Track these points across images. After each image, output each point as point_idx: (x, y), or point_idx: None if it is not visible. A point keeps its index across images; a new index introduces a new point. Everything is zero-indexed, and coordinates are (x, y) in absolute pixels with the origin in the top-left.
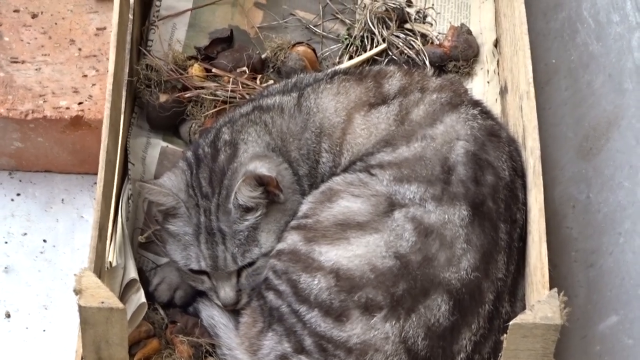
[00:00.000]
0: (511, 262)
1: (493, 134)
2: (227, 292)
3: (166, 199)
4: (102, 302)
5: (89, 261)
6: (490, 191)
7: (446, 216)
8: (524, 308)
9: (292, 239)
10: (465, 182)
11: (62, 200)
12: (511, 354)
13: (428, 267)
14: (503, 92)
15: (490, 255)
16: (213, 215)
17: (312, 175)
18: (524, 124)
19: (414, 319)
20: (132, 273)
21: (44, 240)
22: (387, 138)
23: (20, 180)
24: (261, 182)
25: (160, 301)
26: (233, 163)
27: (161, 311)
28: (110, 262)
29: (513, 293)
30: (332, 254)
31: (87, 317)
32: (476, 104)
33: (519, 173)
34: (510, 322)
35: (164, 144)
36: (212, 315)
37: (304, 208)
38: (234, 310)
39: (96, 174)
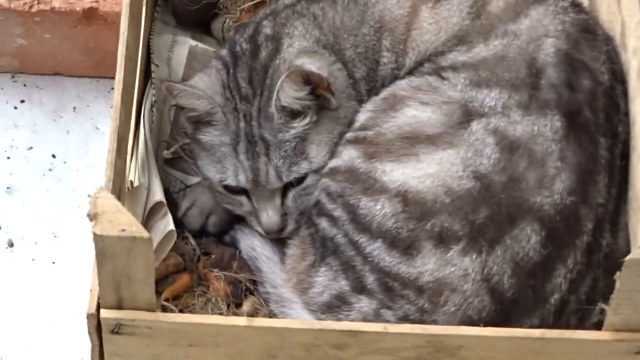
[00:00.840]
0: (613, 184)
1: (588, 30)
2: (270, 215)
3: (200, 102)
4: (123, 230)
5: (106, 179)
6: (588, 98)
7: (535, 127)
8: (627, 239)
9: (349, 155)
10: (557, 86)
11: (74, 108)
12: (625, 295)
13: (515, 189)
14: None
15: (589, 176)
16: (254, 121)
17: (370, 79)
18: (622, 20)
19: (498, 253)
20: (158, 195)
21: (53, 156)
22: (461, 34)
23: (24, 85)
24: (308, 80)
25: (191, 228)
26: (276, 59)
27: (192, 241)
28: (131, 182)
29: (615, 221)
30: (398, 173)
31: (105, 248)
32: None
33: (618, 78)
34: (627, 258)
35: (193, 42)
36: (252, 245)
37: (362, 118)
38: (279, 240)
39: (113, 77)
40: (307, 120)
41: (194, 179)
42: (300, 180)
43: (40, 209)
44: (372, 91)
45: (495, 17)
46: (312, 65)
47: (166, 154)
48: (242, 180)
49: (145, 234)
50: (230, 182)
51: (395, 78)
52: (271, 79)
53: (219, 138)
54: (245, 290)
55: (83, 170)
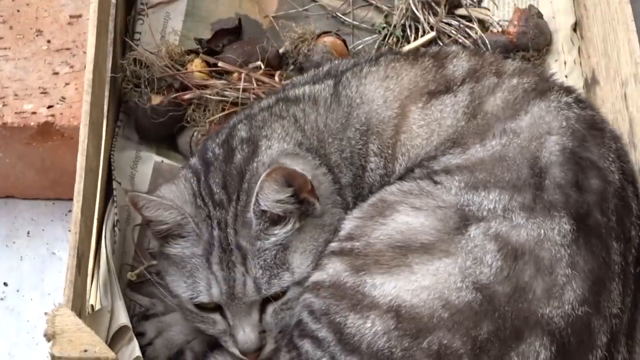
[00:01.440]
0: (627, 293)
1: (595, 127)
2: (247, 332)
3: (168, 213)
4: (85, 350)
5: (65, 300)
6: (597, 199)
7: (542, 231)
8: None
9: (335, 268)
10: (564, 187)
11: (28, 232)
12: None
13: (520, 300)
14: (590, 84)
15: (601, 284)
16: (230, 228)
17: (357, 185)
18: (630, 116)
19: None
20: (123, 318)
21: (5, 284)
22: (455, 137)
23: None
24: (291, 181)
25: None
26: (253, 162)
27: None
28: (92, 306)
29: (630, 334)
30: (389, 287)
31: None
32: (569, 90)
33: (629, 178)
34: None
35: (158, 158)
36: None
37: (348, 226)
38: None
39: (71, 199)
40: (289, 226)
41: (160, 306)
42: (281, 293)
43: None
44: (359, 198)
45: (492, 116)
46: (295, 166)
47: (130, 275)
48: (216, 294)
49: (110, 354)
50: (203, 298)
51: (383, 184)
52: (248, 182)
53: (190, 250)
54: None
55: (38, 299)
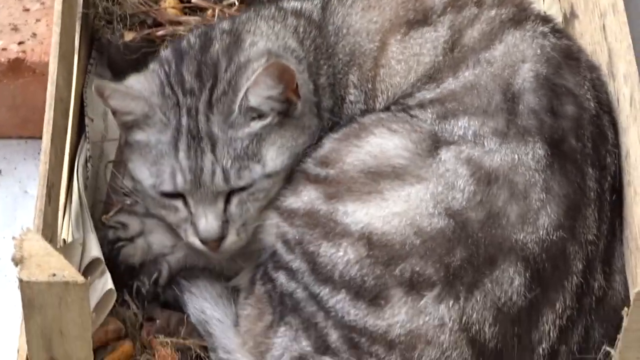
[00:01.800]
0: (603, 220)
1: (570, 56)
2: (209, 220)
3: (135, 103)
4: (54, 275)
5: (34, 228)
6: (572, 125)
7: (516, 156)
8: (624, 283)
9: (309, 196)
10: (538, 112)
11: (0, 171)
12: (633, 336)
13: (494, 226)
14: (569, 18)
15: (577, 209)
16: (202, 115)
17: (335, 114)
18: (609, 47)
19: (477, 298)
20: (95, 250)
21: None
22: (431, 73)
23: None
24: (283, 77)
25: (127, 261)
26: (236, 56)
27: (133, 305)
28: (64, 240)
29: (607, 261)
30: (361, 214)
31: (32, 297)
32: (546, 19)
33: (604, 108)
34: (635, 290)
35: None
36: (202, 308)
37: (324, 148)
38: (233, 301)
39: None
40: (267, 120)
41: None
42: (249, 185)
43: None
44: (334, 128)
45: (468, 48)
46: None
47: (105, 218)
48: (180, 182)
49: (79, 278)
50: (166, 186)
51: None
52: (231, 72)
53: (156, 137)
54: (195, 358)
55: (10, 237)
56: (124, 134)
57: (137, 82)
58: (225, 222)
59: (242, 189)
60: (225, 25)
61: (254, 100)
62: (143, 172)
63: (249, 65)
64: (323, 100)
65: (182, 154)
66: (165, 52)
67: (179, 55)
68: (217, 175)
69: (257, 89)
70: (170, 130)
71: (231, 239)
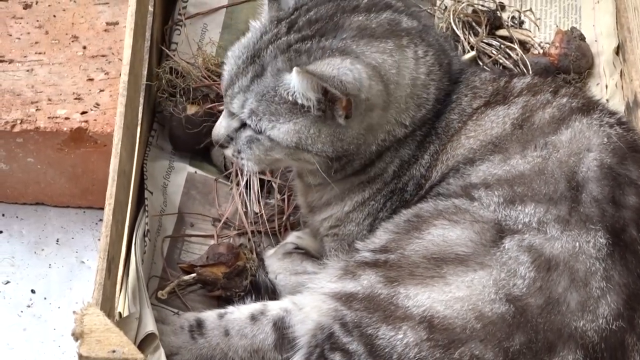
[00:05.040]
0: None
1: (635, 149)
2: (220, 124)
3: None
4: (114, 351)
5: (94, 302)
6: (634, 216)
7: (577, 244)
8: None
9: (369, 280)
10: (601, 201)
11: (57, 240)
12: None
13: (553, 313)
14: (632, 108)
15: (636, 300)
16: (275, 48)
17: (402, 168)
18: None
19: None
20: (150, 325)
21: (32, 291)
22: (497, 141)
23: (3, 214)
24: (326, 91)
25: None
26: (350, 40)
27: None
28: (119, 313)
29: None
30: (423, 298)
31: None
32: (612, 112)
33: None
34: None
35: (192, 169)
36: None
37: (383, 238)
38: None
39: (102, 208)
40: (304, 105)
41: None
42: (258, 131)
43: (17, 349)
44: (395, 184)
45: (537, 128)
46: (351, 75)
47: (161, 294)
48: (224, 80)
49: (139, 355)
50: (223, 79)
51: (418, 187)
52: (328, 43)
53: (254, 31)
54: None
55: (65, 307)
56: None
57: None
58: (230, 139)
59: (256, 131)
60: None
61: (294, 87)
62: (236, 44)
63: (334, 59)
64: (401, 149)
65: (239, 62)
66: None
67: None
68: (238, 99)
69: (297, 82)
70: (256, 34)
71: (227, 152)
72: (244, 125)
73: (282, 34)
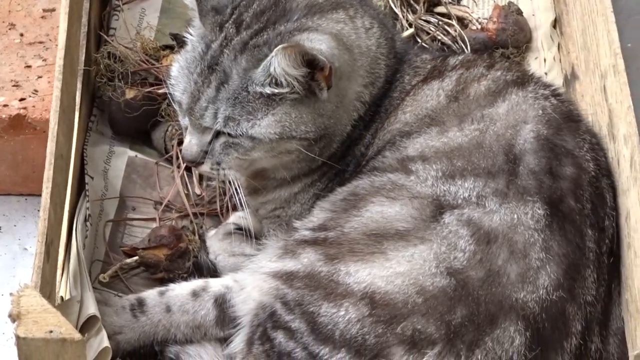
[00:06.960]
0: (601, 282)
1: (571, 119)
2: (191, 143)
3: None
4: (51, 331)
5: (32, 285)
6: (571, 186)
7: (515, 216)
8: (620, 345)
9: (309, 258)
10: (538, 173)
11: (0, 228)
12: None
13: (494, 285)
14: (569, 80)
15: (576, 270)
16: (230, 50)
17: (351, 142)
18: (609, 108)
19: (479, 357)
20: (92, 308)
21: None
22: (433, 114)
23: None
24: (310, 62)
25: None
26: (306, 18)
27: None
28: (61, 297)
29: (604, 324)
30: (363, 274)
31: (30, 354)
32: (547, 85)
33: (603, 171)
34: (633, 353)
35: (132, 153)
36: None
37: (319, 217)
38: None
39: None
40: (282, 91)
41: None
42: (236, 135)
43: None
44: (344, 151)
45: (473, 100)
46: (324, 44)
47: (103, 277)
48: (184, 101)
49: (77, 335)
50: (176, 94)
51: (357, 165)
52: (285, 30)
53: (193, 45)
54: None
55: (9, 295)
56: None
57: None
58: (205, 153)
59: (230, 135)
60: None
61: (275, 69)
62: (174, 68)
63: (302, 34)
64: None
65: (194, 77)
66: None
67: None
68: (209, 111)
69: (279, 62)
70: (201, 45)
71: (205, 168)
72: (216, 135)
73: (231, 35)
